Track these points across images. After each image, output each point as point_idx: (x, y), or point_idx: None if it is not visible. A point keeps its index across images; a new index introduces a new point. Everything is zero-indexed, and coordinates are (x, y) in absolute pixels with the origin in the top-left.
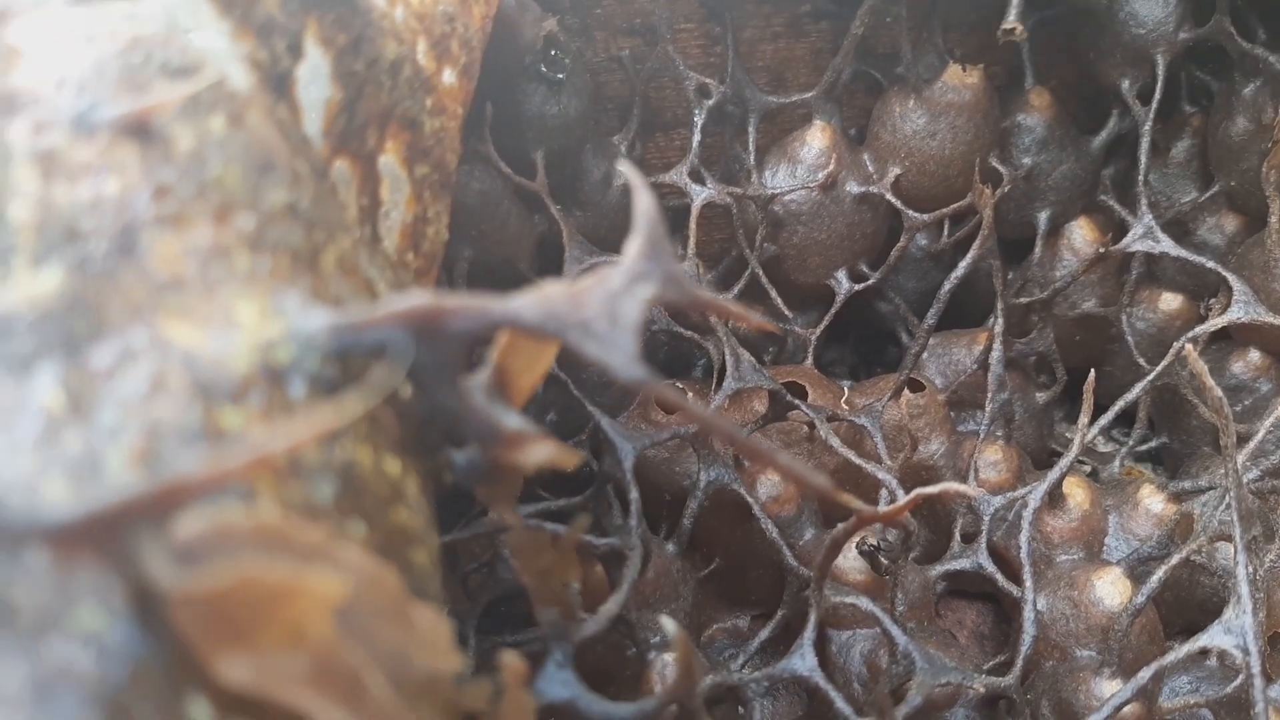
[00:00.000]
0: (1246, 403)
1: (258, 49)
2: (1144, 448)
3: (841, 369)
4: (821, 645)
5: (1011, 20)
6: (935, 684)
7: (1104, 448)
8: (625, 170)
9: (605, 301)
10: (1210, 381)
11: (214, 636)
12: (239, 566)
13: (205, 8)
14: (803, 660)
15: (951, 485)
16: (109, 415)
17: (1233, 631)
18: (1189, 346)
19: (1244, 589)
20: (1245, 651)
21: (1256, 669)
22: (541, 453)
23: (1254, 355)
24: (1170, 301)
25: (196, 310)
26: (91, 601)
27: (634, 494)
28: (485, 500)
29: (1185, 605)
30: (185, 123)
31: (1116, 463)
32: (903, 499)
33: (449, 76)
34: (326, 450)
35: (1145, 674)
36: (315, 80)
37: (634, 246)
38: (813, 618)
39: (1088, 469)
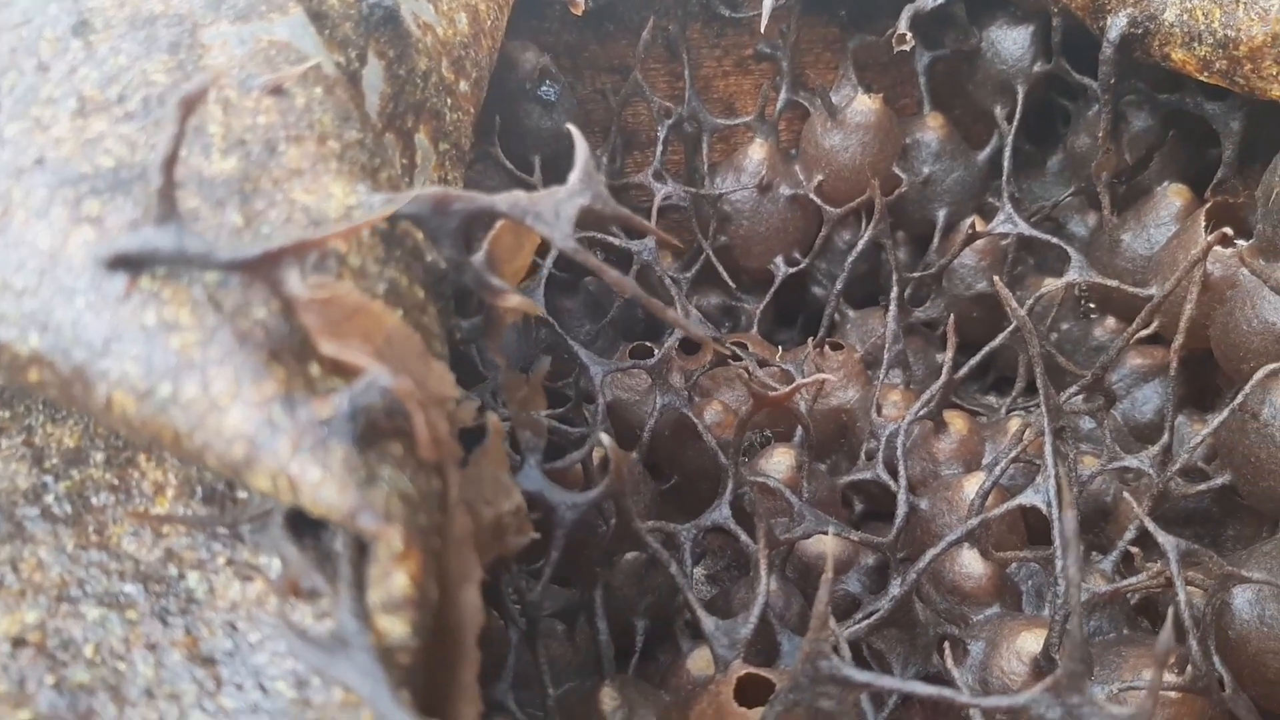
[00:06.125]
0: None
1: (339, 55)
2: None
3: (790, 346)
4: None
5: (902, 28)
6: (818, 530)
7: (999, 405)
8: (572, 130)
9: (554, 203)
10: (1014, 303)
11: (320, 329)
12: (337, 290)
13: (310, 29)
14: (719, 513)
15: (819, 376)
16: (266, 228)
17: (1040, 491)
18: (996, 278)
19: (1049, 458)
20: (1049, 505)
21: (1057, 517)
22: (514, 301)
23: (1110, 321)
24: (1051, 284)
25: (309, 186)
26: (260, 305)
27: (600, 400)
28: (486, 347)
29: None
30: (301, 88)
31: (1003, 412)
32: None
33: (464, 85)
34: (381, 268)
35: (973, 521)
36: (373, 78)
37: (574, 174)
38: (730, 482)
39: (983, 419)
